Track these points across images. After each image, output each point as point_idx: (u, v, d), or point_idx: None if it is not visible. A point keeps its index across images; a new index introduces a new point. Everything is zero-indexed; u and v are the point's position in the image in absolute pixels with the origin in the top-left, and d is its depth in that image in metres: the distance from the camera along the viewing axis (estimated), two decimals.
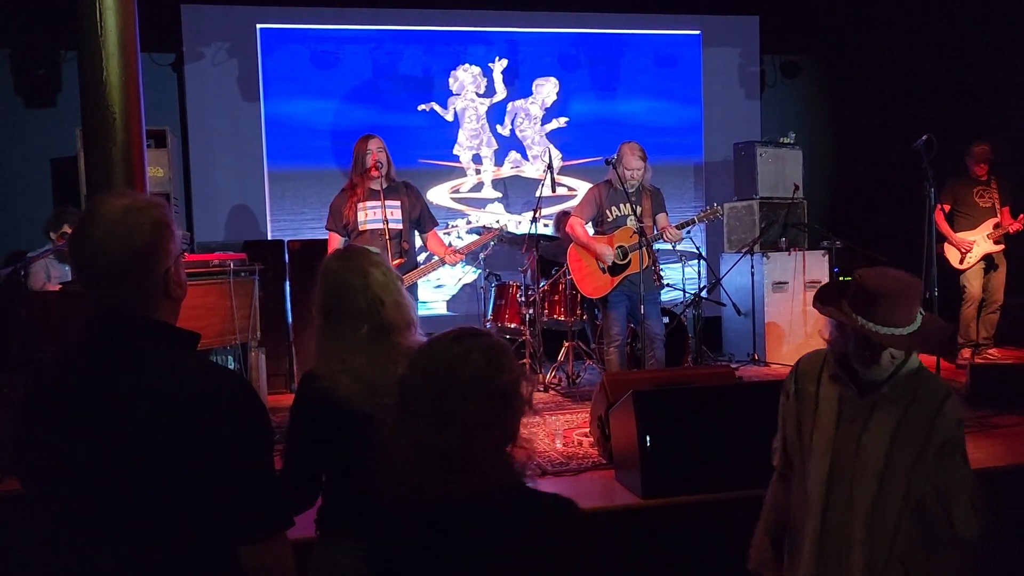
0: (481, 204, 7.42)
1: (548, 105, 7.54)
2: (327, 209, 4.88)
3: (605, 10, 7.61)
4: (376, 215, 4.62)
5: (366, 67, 7.22)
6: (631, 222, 5.03)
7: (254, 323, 4.67)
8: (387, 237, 4.52)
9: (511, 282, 5.85)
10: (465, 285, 7.32)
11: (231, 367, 4.51)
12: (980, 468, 3.48)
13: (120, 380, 1.38)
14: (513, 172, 7.49)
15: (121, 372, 1.39)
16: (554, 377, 5.85)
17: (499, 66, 7.43)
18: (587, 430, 4.17)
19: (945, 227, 6.03)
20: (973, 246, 6.06)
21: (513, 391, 1.43)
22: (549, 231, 6.85)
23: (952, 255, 6.11)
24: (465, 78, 7.38)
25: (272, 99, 7.04)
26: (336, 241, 4.73)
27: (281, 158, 7.08)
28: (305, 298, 5.64)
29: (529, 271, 5.60)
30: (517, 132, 7.50)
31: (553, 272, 5.87)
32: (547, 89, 7.53)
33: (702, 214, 5.41)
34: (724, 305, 6.46)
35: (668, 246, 5.49)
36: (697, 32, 7.87)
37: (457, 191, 7.39)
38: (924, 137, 5.03)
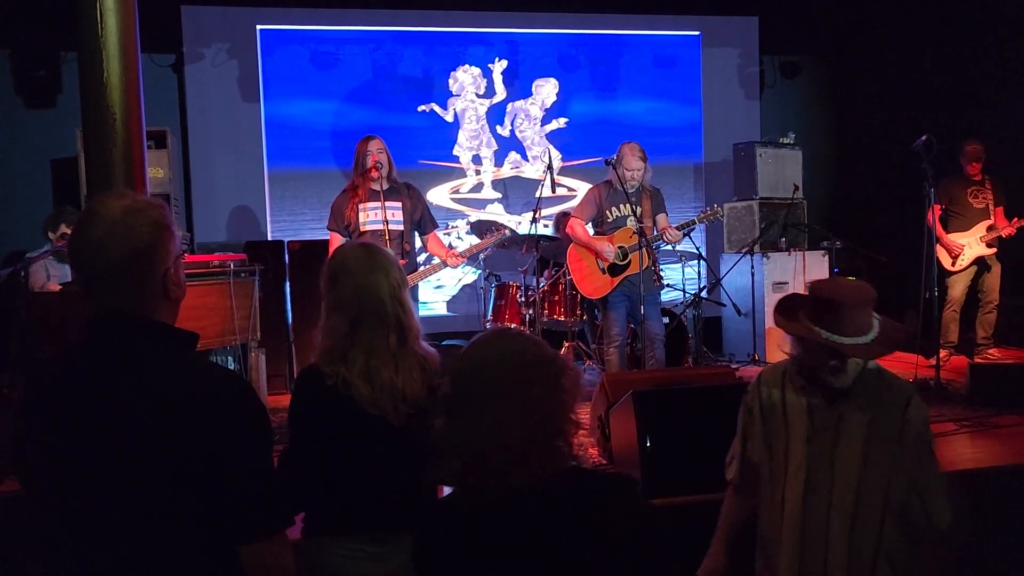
0: (481, 205, 7.42)
1: (548, 106, 7.54)
2: (327, 210, 4.89)
3: (605, 11, 7.62)
4: (377, 216, 4.62)
5: (366, 68, 7.22)
6: (631, 222, 5.03)
7: (254, 324, 4.67)
8: (387, 238, 4.52)
9: (511, 282, 5.85)
10: (465, 285, 7.32)
11: (231, 367, 4.51)
12: (980, 468, 3.49)
13: (120, 380, 1.39)
14: (513, 173, 7.49)
15: (121, 372, 1.39)
16: None
17: (499, 67, 7.44)
18: (587, 430, 4.17)
19: (938, 228, 5.96)
20: (964, 249, 5.97)
21: (573, 379, 1.50)
22: (549, 232, 6.85)
23: (944, 257, 6.00)
24: (465, 79, 7.39)
25: (272, 100, 7.04)
26: (337, 241, 4.74)
27: (281, 159, 7.09)
28: (305, 298, 5.69)
29: (532, 270, 5.58)
30: (517, 133, 7.50)
31: (553, 272, 5.86)
32: (547, 90, 7.54)
33: (702, 215, 5.41)
34: (724, 305, 6.45)
35: (668, 246, 5.48)
36: (697, 33, 7.87)
37: (457, 192, 7.40)
38: (924, 137, 5.01)
